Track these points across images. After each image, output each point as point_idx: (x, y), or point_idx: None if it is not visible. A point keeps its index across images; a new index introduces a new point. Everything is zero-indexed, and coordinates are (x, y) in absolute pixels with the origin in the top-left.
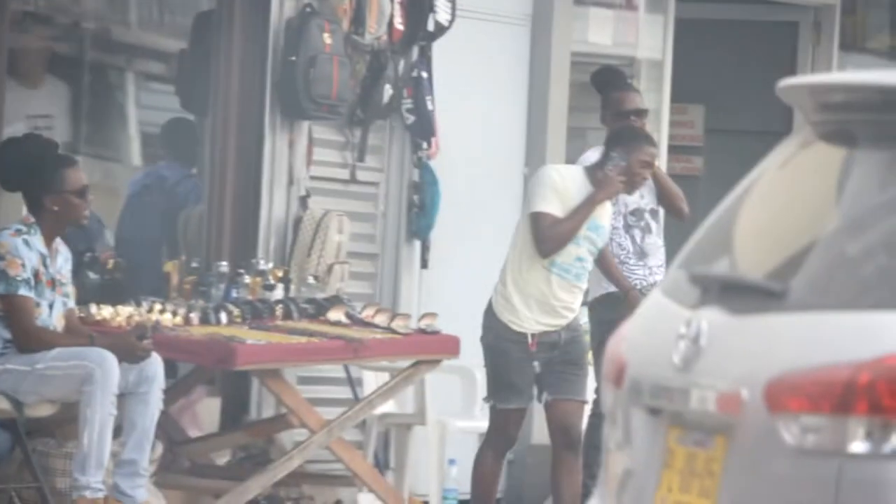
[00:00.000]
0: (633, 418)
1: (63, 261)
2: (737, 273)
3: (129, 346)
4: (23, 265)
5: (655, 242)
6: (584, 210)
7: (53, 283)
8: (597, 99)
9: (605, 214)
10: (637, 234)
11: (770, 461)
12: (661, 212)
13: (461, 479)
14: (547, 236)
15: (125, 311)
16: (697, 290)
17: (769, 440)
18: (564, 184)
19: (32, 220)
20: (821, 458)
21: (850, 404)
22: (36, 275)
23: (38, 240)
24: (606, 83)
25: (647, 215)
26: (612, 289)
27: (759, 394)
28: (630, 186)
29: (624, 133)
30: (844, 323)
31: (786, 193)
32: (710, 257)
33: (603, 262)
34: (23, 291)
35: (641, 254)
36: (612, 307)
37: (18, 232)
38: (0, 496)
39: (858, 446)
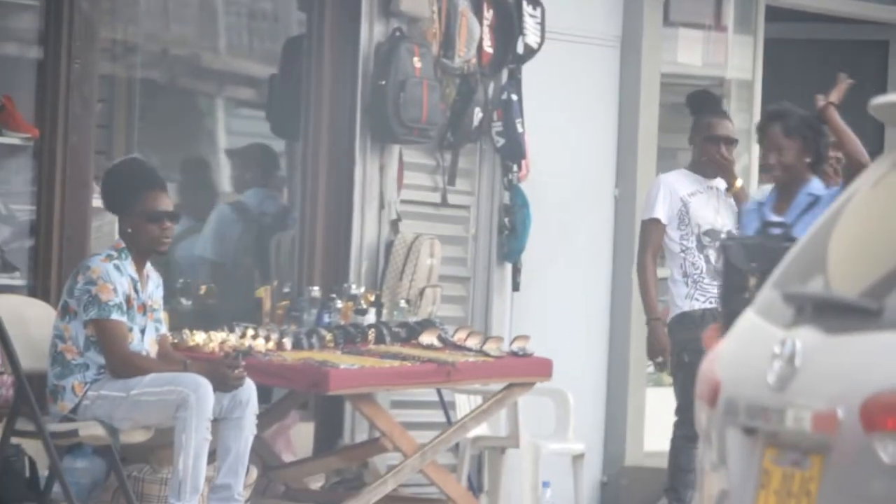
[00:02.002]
0: (728, 439)
1: (154, 286)
2: (831, 292)
3: (221, 375)
4: (114, 290)
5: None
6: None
7: (145, 309)
8: (687, 120)
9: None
10: (711, 253)
11: (867, 481)
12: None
13: (555, 502)
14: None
15: (218, 336)
16: (792, 309)
17: (866, 459)
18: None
19: (123, 245)
20: None
21: None
22: (127, 300)
23: (128, 265)
24: (701, 106)
25: (722, 236)
26: (687, 308)
27: (854, 413)
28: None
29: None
30: None
31: (879, 212)
32: (804, 276)
33: (640, 279)
34: (115, 316)
35: (716, 273)
36: (687, 327)
37: (109, 257)
38: None
39: None
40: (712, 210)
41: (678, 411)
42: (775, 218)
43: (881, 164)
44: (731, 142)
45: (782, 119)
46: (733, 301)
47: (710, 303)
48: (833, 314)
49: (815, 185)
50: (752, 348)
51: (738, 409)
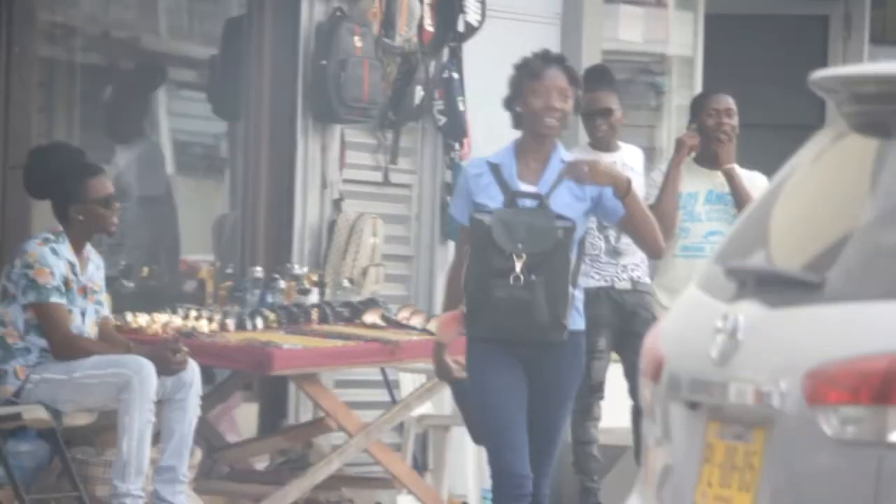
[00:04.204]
0: (671, 413)
1: (94, 268)
2: (773, 266)
3: (164, 357)
4: (52, 273)
5: (632, 243)
6: (669, 180)
7: (85, 291)
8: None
9: (716, 183)
10: (612, 234)
11: (810, 453)
12: None
13: None
14: None
15: (161, 318)
16: (734, 283)
17: (808, 432)
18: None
19: (60, 228)
20: (861, 450)
21: (890, 394)
22: (66, 283)
23: (65, 248)
24: (595, 82)
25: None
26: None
27: (797, 386)
28: (713, 143)
29: (694, 99)
30: (882, 313)
31: (820, 186)
32: (745, 251)
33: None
34: (54, 299)
35: (614, 253)
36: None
37: (46, 241)
38: None
39: None
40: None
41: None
42: (525, 187)
43: (822, 138)
44: (605, 113)
45: (567, 65)
46: (495, 287)
47: (606, 281)
48: (775, 288)
49: (562, 150)
50: (694, 323)
51: (682, 384)
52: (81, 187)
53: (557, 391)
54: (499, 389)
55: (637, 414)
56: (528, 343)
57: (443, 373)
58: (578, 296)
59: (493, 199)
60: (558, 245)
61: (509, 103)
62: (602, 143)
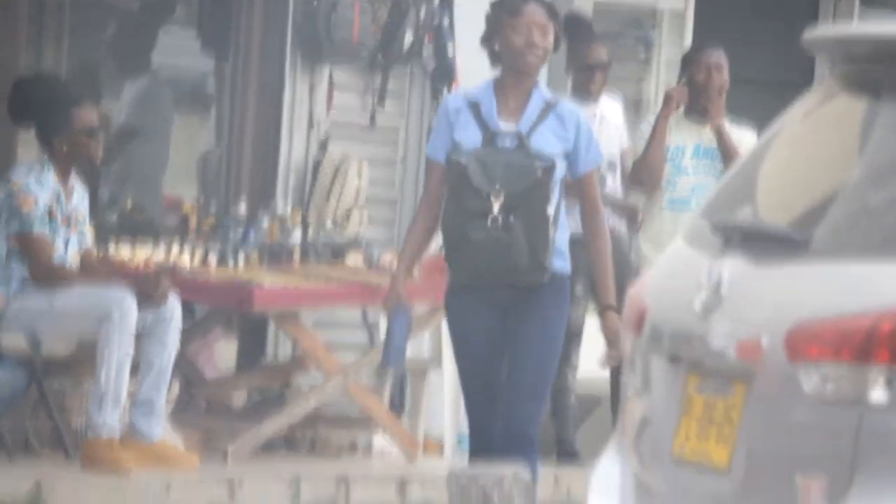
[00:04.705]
0: (652, 365)
1: (78, 199)
2: (759, 222)
3: (146, 291)
4: (35, 202)
5: (609, 195)
6: (656, 133)
7: (69, 221)
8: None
9: (705, 137)
10: None
11: (789, 410)
12: (619, 166)
13: None
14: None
15: (143, 251)
16: (719, 238)
17: (788, 389)
18: None
19: (45, 157)
20: (840, 408)
21: (871, 353)
22: (50, 212)
23: (50, 177)
24: (573, 34)
25: (602, 167)
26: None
27: (779, 342)
28: (703, 98)
29: (685, 53)
30: (866, 272)
31: (809, 143)
32: (732, 206)
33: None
34: (37, 228)
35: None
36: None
37: (30, 169)
38: (16, 434)
39: (879, 396)
40: None
41: None
42: (504, 126)
43: (812, 96)
44: (603, 67)
45: (545, 0)
46: (472, 229)
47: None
48: (761, 244)
49: (544, 89)
50: (679, 276)
51: (663, 337)
52: (66, 117)
53: (542, 335)
54: (477, 340)
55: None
56: (509, 287)
57: (391, 292)
58: (562, 238)
59: (472, 137)
60: (537, 185)
61: (487, 41)
62: (591, 95)
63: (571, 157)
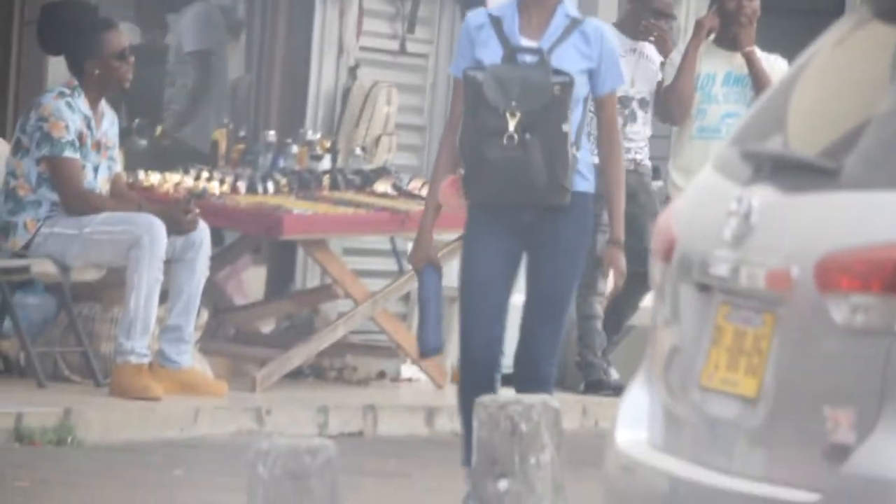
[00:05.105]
0: (681, 295)
1: (109, 124)
2: (790, 150)
3: (175, 217)
4: (66, 127)
5: (640, 132)
6: (686, 61)
7: (99, 147)
8: None
9: (735, 65)
10: (619, 121)
11: (818, 340)
12: (651, 103)
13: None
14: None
15: (173, 177)
16: (750, 166)
17: (818, 319)
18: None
19: (76, 83)
20: (870, 338)
21: None
22: (80, 137)
23: (81, 102)
24: None
25: (633, 104)
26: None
27: (809, 272)
28: (734, 25)
29: None
30: None
31: (840, 72)
32: (763, 134)
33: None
34: (68, 153)
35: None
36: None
37: (61, 95)
38: (45, 359)
39: None
40: (628, 76)
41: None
42: (526, 42)
43: (844, 25)
44: (668, 18)
45: None
46: (488, 147)
47: None
48: (791, 173)
49: (569, 6)
50: (708, 205)
51: (693, 266)
52: (96, 42)
53: (563, 258)
54: (488, 261)
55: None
56: (527, 207)
57: (419, 251)
58: (585, 157)
59: (493, 54)
60: (555, 102)
61: None
62: (641, 35)
63: (593, 76)
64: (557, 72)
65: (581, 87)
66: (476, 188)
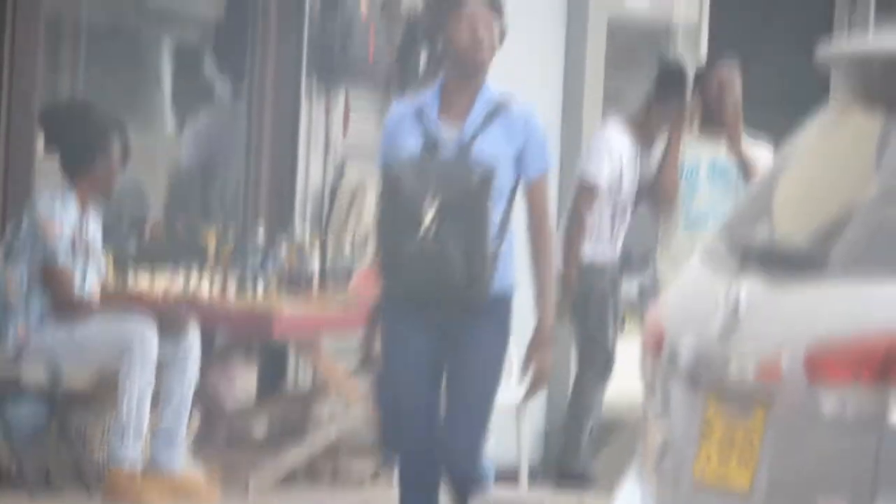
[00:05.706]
0: (671, 389)
1: (95, 228)
2: (776, 241)
3: (166, 321)
4: (60, 233)
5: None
6: (669, 152)
7: (87, 250)
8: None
9: (721, 154)
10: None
11: (809, 432)
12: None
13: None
14: (649, 194)
15: (162, 280)
16: (736, 258)
17: (809, 410)
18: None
19: (67, 186)
20: (860, 429)
21: (890, 374)
22: (72, 242)
23: (72, 206)
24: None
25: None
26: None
27: (798, 362)
28: (716, 113)
29: (697, 70)
30: (884, 291)
31: (825, 161)
32: (748, 225)
33: (571, 228)
34: (62, 261)
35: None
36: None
37: (53, 199)
38: (37, 468)
39: None
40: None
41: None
42: (448, 130)
43: (828, 113)
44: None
45: None
46: (404, 240)
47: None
48: (778, 263)
49: (493, 90)
50: (696, 298)
51: (682, 359)
52: (109, 148)
53: (480, 362)
54: (407, 363)
55: (580, 382)
56: (444, 305)
57: (367, 347)
58: (507, 253)
59: (413, 145)
60: (474, 194)
61: (429, 39)
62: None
63: (519, 160)
64: (478, 162)
65: (506, 177)
66: (391, 282)
